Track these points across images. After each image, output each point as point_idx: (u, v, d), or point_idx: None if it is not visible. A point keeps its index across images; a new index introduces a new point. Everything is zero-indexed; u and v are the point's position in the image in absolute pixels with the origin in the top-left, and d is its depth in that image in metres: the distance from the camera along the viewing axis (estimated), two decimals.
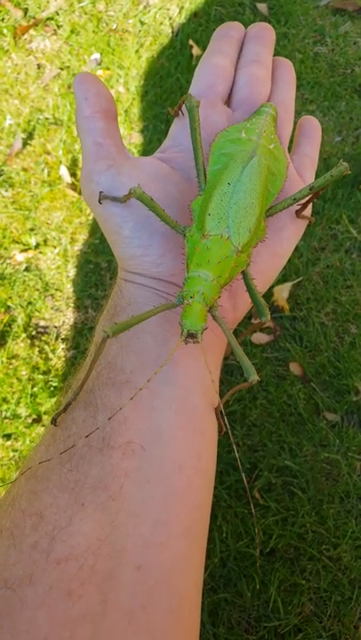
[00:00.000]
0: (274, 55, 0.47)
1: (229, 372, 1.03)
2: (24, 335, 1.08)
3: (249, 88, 0.43)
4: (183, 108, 0.41)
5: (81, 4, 1.42)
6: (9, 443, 1.00)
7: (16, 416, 1.02)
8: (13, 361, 1.06)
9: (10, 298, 1.12)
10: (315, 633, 0.83)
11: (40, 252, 1.16)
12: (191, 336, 0.30)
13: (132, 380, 0.32)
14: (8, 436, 1.00)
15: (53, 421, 0.32)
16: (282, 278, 1.10)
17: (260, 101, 0.43)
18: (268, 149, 0.38)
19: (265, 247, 0.38)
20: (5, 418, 1.01)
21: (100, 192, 0.36)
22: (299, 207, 0.41)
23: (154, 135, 1.26)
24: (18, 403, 1.02)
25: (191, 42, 1.34)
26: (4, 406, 1.02)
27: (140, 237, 0.36)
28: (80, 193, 1.19)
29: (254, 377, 0.32)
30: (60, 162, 1.24)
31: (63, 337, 1.09)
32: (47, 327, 1.10)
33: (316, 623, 0.84)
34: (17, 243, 1.17)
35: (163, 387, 0.32)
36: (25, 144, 1.27)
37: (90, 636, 0.24)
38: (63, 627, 0.24)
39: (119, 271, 0.39)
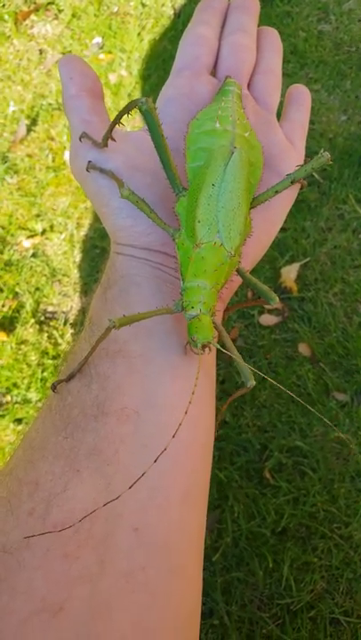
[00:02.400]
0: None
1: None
2: (33, 321, 1.08)
3: (234, 57, 0.43)
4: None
5: None
6: (20, 427, 1.00)
7: (26, 401, 1.02)
8: (23, 346, 1.06)
9: (17, 284, 1.12)
10: (327, 609, 0.83)
11: (46, 238, 1.16)
12: (204, 346, 0.30)
13: (124, 349, 0.32)
14: (19, 421, 1.01)
15: (53, 388, 0.32)
16: (290, 259, 1.10)
17: (247, 70, 0.42)
18: (244, 138, 0.37)
19: (258, 215, 0.38)
20: (16, 403, 1.02)
21: (89, 161, 0.36)
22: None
23: None
24: (28, 388, 1.03)
25: None
26: (15, 391, 1.03)
27: (129, 207, 0.36)
28: None
29: (251, 382, 0.33)
30: (65, 147, 1.23)
31: (71, 322, 1.09)
32: (55, 312, 1.10)
33: (328, 600, 0.84)
34: (23, 229, 1.17)
35: (157, 354, 0.32)
36: (29, 130, 1.26)
37: (88, 596, 0.25)
38: (61, 587, 0.25)
39: (112, 245, 0.39)
